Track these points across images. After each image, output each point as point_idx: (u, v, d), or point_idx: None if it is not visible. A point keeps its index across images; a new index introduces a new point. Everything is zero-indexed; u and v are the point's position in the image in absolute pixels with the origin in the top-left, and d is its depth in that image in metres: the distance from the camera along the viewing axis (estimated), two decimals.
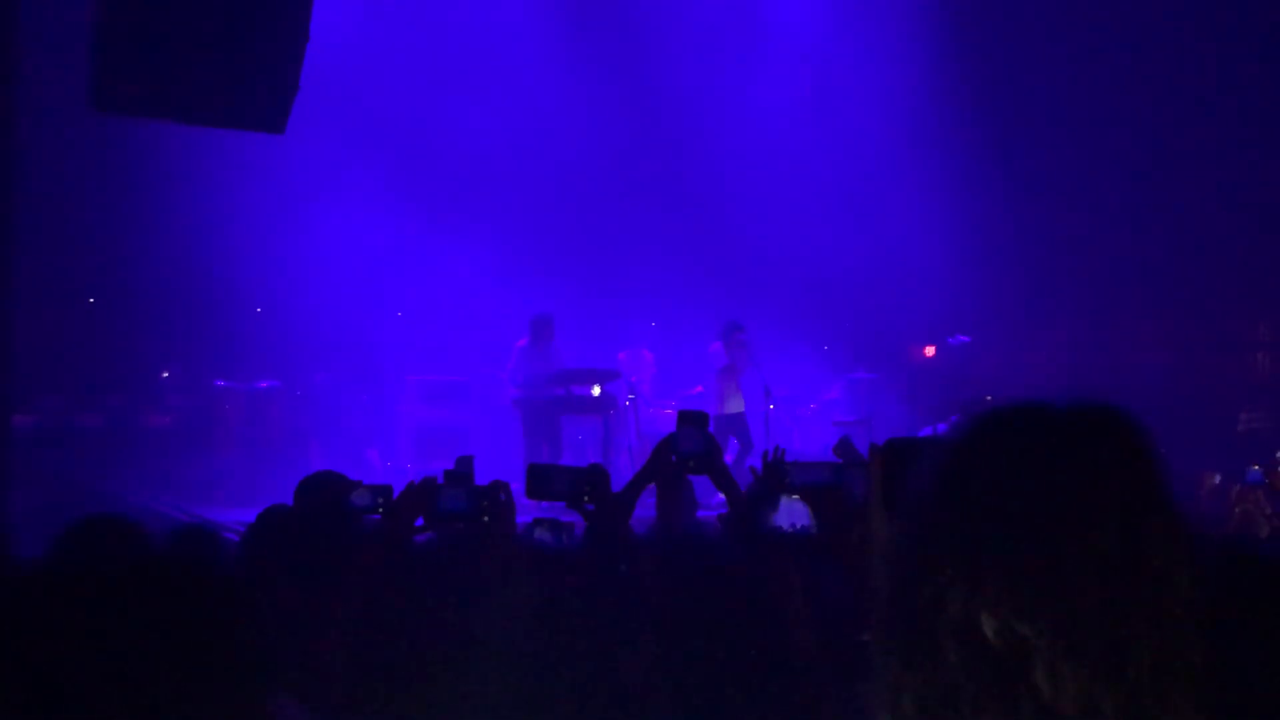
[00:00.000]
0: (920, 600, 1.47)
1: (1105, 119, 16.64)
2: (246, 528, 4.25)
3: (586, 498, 4.16)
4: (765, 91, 17.55)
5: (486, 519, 3.94)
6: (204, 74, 8.10)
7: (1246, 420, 15.66)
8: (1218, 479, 8.88)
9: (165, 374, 15.44)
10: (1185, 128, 16.15)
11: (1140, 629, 1.41)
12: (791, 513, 3.81)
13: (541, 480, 4.21)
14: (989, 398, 12.46)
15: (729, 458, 14.20)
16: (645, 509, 4.30)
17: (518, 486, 4.29)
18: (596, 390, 13.77)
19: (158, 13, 7.85)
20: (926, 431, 14.21)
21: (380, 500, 4.28)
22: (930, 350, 17.18)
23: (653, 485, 4.37)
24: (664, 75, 16.87)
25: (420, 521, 4.04)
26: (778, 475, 3.99)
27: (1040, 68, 16.80)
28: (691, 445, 4.26)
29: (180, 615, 1.41)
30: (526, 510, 4.38)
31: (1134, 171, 16.67)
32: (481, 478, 4.25)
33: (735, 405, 14.21)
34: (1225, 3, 15.80)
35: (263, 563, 3.99)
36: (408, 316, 16.03)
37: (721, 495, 4.43)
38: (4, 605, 1.33)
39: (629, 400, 14.15)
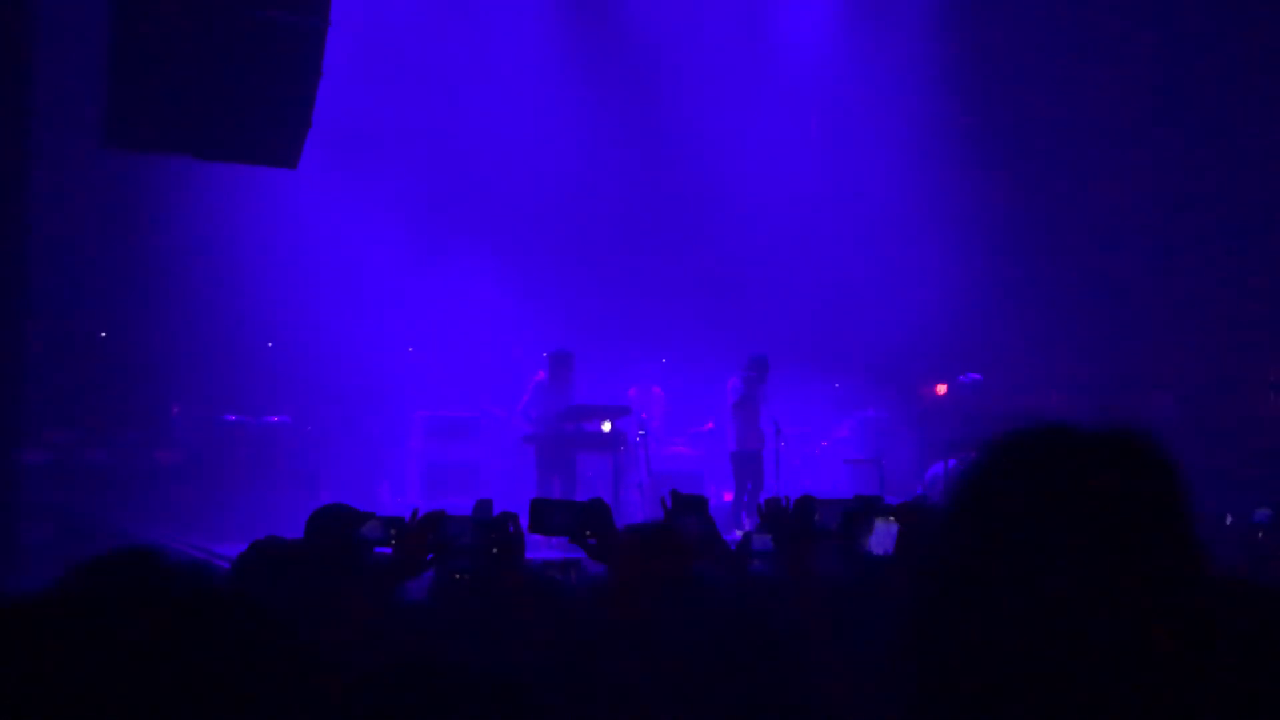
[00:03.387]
0: (941, 619, 1.47)
1: (1120, 157, 16.66)
2: (237, 556, 4.23)
3: (588, 533, 4.17)
4: (777, 129, 17.61)
5: (495, 551, 3.94)
6: (217, 111, 8.16)
7: None
8: (1229, 519, 8.85)
9: (175, 409, 15.45)
10: (1200, 170, 16.17)
11: (1158, 655, 1.40)
12: (885, 537, 3.83)
13: (543, 515, 4.22)
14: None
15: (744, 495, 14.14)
16: None
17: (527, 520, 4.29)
18: (607, 426, 13.75)
19: (171, 51, 7.91)
20: (937, 468, 14.20)
21: (392, 533, 4.27)
22: (942, 388, 17.15)
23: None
24: (677, 114, 16.96)
25: (430, 556, 4.03)
26: (807, 514, 3.99)
27: (1054, 104, 16.83)
28: (691, 531, 4.32)
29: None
30: (535, 544, 4.38)
31: (1147, 211, 16.69)
32: (494, 513, 4.25)
33: (752, 442, 14.16)
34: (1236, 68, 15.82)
35: (250, 592, 3.98)
36: (419, 352, 16.04)
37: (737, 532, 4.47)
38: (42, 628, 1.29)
39: (639, 436, 14.13)
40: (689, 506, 4.56)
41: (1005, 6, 17.00)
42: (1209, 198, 16.21)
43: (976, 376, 16.19)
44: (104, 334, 15.41)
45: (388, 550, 4.21)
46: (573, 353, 14.18)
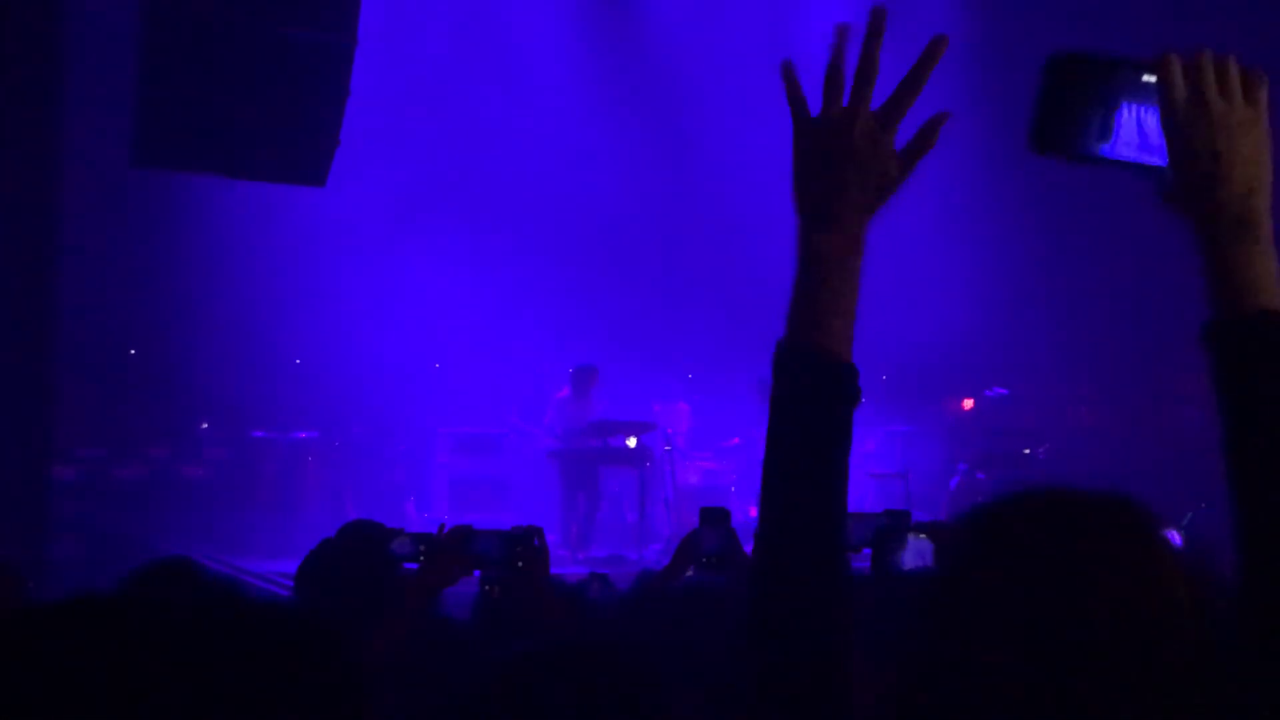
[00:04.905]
0: (927, 692, 1.45)
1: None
2: (302, 561, 4.31)
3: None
4: None
5: (520, 565, 3.97)
6: (246, 129, 8.22)
7: None
8: None
9: (204, 425, 15.52)
10: None
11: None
12: (918, 552, 3.83)
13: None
14: (1026, 451, 12.32)
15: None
16: None
17: (552, 537, 4.30)
18: (632, 442, 13.75)
19: (201, 69, 7.97)
20: (957, 478, 14.24)
21: (421, 548, 4.30)
22: (968, 403, 17.09)
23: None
24: (705, 128, 16.94)
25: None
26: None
27: None
28: (711, 544, 4.34)
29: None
30: (561, 560, 4.40)
31: (1176, 221, 16.58)
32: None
33: None
34: None
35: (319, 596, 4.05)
36: (445, 368, 16.07)
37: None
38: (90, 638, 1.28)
39: (665, 451, 14.12)
40: (711, 519, 4.56)
41: (1026, 13, 16.95)
42: None
43: (1003, 391, 16.13)
44: (133, 351, 15.49)
45: (415, 566, 4.25)
46: (596, 368, 14.19)
